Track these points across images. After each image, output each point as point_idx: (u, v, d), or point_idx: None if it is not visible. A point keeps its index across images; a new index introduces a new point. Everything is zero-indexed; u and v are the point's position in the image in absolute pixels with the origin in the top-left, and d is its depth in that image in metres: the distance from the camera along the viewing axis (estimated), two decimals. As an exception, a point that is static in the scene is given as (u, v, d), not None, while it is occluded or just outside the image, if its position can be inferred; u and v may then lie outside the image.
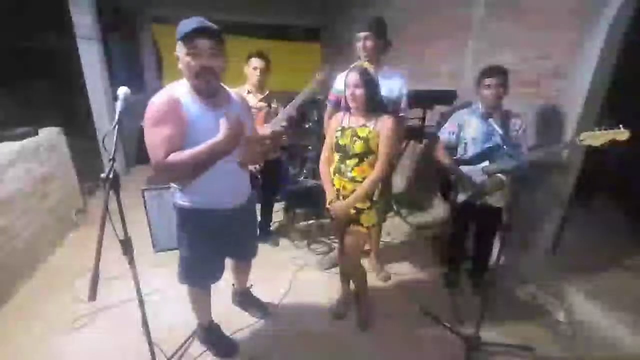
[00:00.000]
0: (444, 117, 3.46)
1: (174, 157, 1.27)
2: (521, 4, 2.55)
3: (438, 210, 3.68)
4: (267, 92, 2.59)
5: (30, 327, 2.05)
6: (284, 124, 2.56)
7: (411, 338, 2.08)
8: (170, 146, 1.28)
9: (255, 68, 2.46)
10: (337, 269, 2.60)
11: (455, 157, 2.21)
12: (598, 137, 1.57)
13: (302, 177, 3.98)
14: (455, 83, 3.30)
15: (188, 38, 1.27)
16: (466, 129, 2.15)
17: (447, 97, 3.19)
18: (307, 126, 4.33)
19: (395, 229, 3.37)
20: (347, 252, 2.00)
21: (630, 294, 2.36)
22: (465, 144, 2.17)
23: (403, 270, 2.71)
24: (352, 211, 1.84)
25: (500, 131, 1.89)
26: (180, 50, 1.32)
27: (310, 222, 3.16)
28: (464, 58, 3.18)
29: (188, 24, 1.27)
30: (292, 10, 6.67)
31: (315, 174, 3.99)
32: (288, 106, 2.58)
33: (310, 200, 3.28)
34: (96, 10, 3.75)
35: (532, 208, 2.51)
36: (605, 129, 1.56)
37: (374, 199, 1.87)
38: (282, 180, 3.47)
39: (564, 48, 2.26)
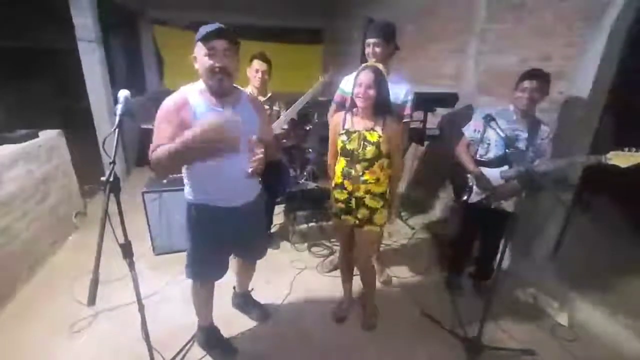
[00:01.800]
0: (445, 120, 3.47)
1: (155, 152, 1.32)
2: (522, 5, 2.55)
3: (439, 212, 3.67)
4: (270, 94, 2.58)
5: (29, 330, 2.04)
6: (286, 126, 2.56)
7: (412, 341, 2.07)
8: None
9: (257, 70, 2.44)
10: (338, 272, 2.60)
11: (475, 158, 2.15)
12: (627, 158, 1.49)
13: (302, 180, 3.98)
14: (456, 85, 3.30)
15: (206, 39, 1.34)
16: (492, 129, 2.03)
17: (448, 100, 3.19)
18: (308, 128, 4.33)
19: (396, 231, 3.36)
20: (364, 252, 2.01)
21: (631, 297, 2.35)
22: (488, 144, 2.11)
23: (404, 273, 2.70)
24: (366, 212, 1.84)
25: (526, 135, 1.85)
26: (199, 51, 1.38)
27: (311, 224, 3.15)
28: (466, 60, 3.18)
29: (208, 27, 1.34)
30: (294, 12, 6.68)
31: (315, 176, 3.99)
32: (290, 109, 2.58)
33: (311, 202, 3.27)
34: (97, 12, 3.75)
35: (533, 211, 2.51)
36: (636, 150, 1.48)
37: (387, 197, 1.87)
38: (283, 182, 3.46)
39: (566, 50, 2.26)
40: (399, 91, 2.13)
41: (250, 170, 1.46)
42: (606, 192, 3.43)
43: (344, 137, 1.78)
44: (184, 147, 1.23)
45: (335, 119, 1.87)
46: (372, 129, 1.73)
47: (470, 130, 2.18)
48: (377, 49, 2.05)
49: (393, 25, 2.12)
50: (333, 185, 1.94)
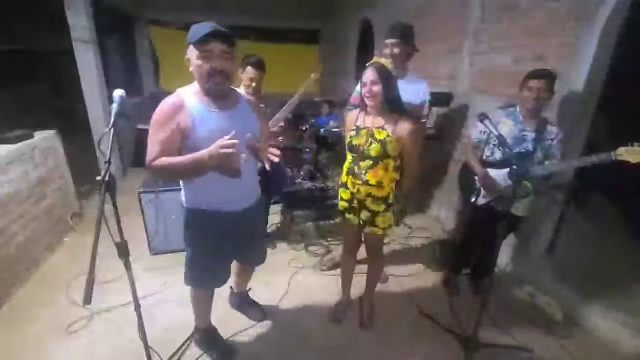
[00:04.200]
0: (440, 119, 3.49)
1: (160, 161, 1.33)
2: (517, 5, 2.57)
3: (435, 211, 3.69)
4: (263, 94, 2.57)
5: (25, 331, 2.03)
6: (282, 124, 2.57)
7: (410, 339, 2.08)
8: (161, 150, 1.34)
9: (251, 80, 2.35)
10: (335, 271, 2.60)
11: (483, 159, 2.13)
12: (637, 154, 1.45)
13: (299, 180, 3.99)
14: (451, 85, 3.32)
15: (201, 41, 1.28)
16: (499, 129, 1.98)
17: (443, 99, 3.21)
18: (304, 128, 4.34)
19: (394, 230, 3.36)
20: (372, 251, 2.03)
21: (627, 294, 2.37)
22: (494, 145, 2.07)
23: (401, 272, 2.71)
24: (368, 214, 1.84)
25: (533, 136, 1.84)
26: (192, 53, 1.33)
27: (308, 224, 3.16)
28: (460, 60, 3.20)
29: (201, 28, 1.28)
30: (291, 13, 6.70)
31: (312, 176, 4.00)
32: (283, 108, 2.58)
33: (308, 202, 3.28)
34: (92, 13, 3.74)
35: (529, 209, 2.52)
36: None
37: (390, 201, 1.83)
38: (280, 182, 3.47)
39: (560, 50, 2.27)
40: (418, 92, 2.13)
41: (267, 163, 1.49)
42: (601, 189, 3.46)
43: (353, 133, 1.78)
44: (196, 164, 1.30)
45: (350, 117, 1.87)
46: (382, 127, 1.71)
47: (476, 132, 2.15)
48: (395, 50, 2.06)
49: (411, 27, 2.13)
50: (340, 183, 1.95)
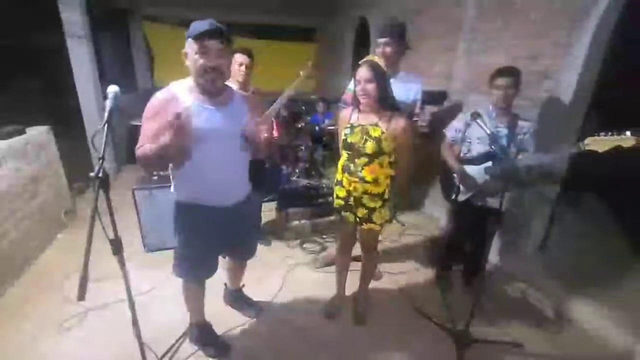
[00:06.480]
0: (434, 117, 3.50)
1: (141, 149, 1.35)
2: (511, 5, 2.59)
3: (428, 208, 3.71)
4: (252, 90, 2.56)
5: (19, 328, 2.02)
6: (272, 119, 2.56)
7: (404, 335, 2.10)
8: (147, 142, 1.35)
9: (241, 64, 2.31)
10: (329, 268, 2.62)
11: (460, 156, 2.18)
12: (604, 143, 1.48)
13: (295, 177, 3.99)
14: (445, 83, 3.33)
15: (199, 37, 1.31)
16: (472, 127, 2.07)
17: (437, 98, 3.23)
18: (299, 126, 4.34)
19: (387, 227, 3.38)
20: (367, 247, 2.05)
21: (618, 291, 2.40)
22: (469, 142, 2.14)
23: (395, 269, 2.73)
24: (365, 211, 1.84)
25: (506, 132, 1.87)
26: (190, 47, 1.35)
27: (303, 221, 3.16)
28: (455, 59, 3.21)
29: (201, 25, 1.31)
30: (288, 10, 6.66)
31: (308, 173, 4.00)
32: (274, 104, 2.58)
33: (303, 199, 3.28)
34: (86, 8, 3.70)
35: (520, 207, 2.55)
36: (612, 134, 1.46)
37: (386, 197, 1.83)
38: (275, 180, 3.47)
39: (554, 49, 2.30)
40: (409, 90, 2.14)
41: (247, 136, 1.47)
42: (591, 186, 3.50)
43: (347, 131, 1.79)
44: (160, 150, 1.28)
45: (344, 115, 1.88)
46: (376, 125, 1.72)
47: (451, 131, 2.22)
48: (388, 49, 2.06)
49: (404, 25, 2.14)
50: (335, 181, 1.96)
